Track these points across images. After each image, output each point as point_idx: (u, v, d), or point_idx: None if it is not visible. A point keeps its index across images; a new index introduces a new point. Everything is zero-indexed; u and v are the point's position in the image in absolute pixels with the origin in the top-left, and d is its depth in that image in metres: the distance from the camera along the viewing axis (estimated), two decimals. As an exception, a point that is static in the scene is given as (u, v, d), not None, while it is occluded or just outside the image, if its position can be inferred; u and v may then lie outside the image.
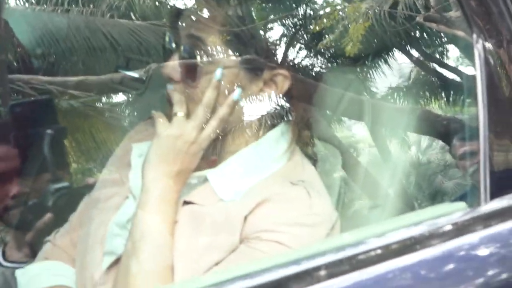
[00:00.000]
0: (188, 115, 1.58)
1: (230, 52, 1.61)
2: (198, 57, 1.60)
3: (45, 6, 6.25)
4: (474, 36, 1.31)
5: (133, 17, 7.00)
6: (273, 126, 1.68)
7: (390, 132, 10.41)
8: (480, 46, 1.29)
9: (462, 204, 1.29)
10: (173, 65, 1.61)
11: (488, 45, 1.31)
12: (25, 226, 2.20)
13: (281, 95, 1.66)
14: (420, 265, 1.19)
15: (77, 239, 1.78)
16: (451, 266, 1.21)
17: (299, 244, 1.41)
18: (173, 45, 1.66)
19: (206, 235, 1.49)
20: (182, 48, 1.62)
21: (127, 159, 1.75)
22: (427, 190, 13.59)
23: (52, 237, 1.87)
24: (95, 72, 5.29)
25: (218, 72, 1.57)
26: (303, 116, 1.76)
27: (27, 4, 6.49)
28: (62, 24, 5.59)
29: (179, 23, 1.69)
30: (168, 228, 1.50)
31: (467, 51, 8.84)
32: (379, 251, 1.18)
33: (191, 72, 1.59)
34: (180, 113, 1.56)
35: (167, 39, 1.70)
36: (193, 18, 1.69)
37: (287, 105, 1.70)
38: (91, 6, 6.67)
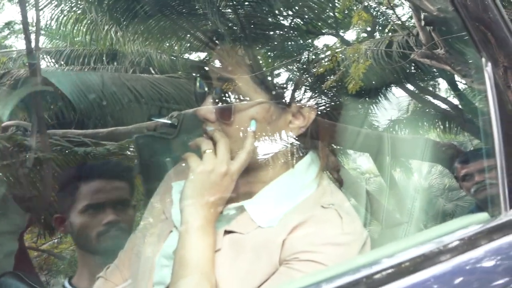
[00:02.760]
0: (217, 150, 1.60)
1: (259, 90, 1.63)
2: (230, 98, 1.62)
3: (73, 66, 6.34)
4: (483, 60, 1.32)
5: (152, 71, 7.07)
6: (301, 156, 1.69)
7: (395, 161, 10.40)
8: (489, 69, 1.30)
9: (484, 215, 1.29)
10: (207, 107, 1.63)
11: (495, 67, 1.32)
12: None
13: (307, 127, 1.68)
14: (433, 280, 1.18)
15: (127, 273, 1.79)
16: (498, 262, 1.21)
17: (334, 262, 1.41)
18: (205, 88, 1.68)
19: (247, 260, 1.49)
20: (214, 90, 1.64)
21: (169, 196, 1.76)
22: (431, 212, 13.52)
23: (103, 273, 1.88)
24: (123, 123, 5.34)
25: (253, 124, 1.60)
26: (329, 144, 1.77)
27: (57, 65, 6.57)
28: (90, 81, 5.65)
29: (207, 69, 1.72)
30: (209, 255, 1.51)
31: (452, 83, 8.89)
32: (392, 270, 1.17)
33: (225, 112, 1.61)
34: (208, 150, 1.58)
35: (198, 84, 1.72)
36: (218, 63, 1.72)
37: (314, 135, 1.72)
38: (115, 63, 6.75)
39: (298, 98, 1.70)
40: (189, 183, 1.59)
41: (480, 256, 1.21)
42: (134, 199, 2.57)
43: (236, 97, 1.62)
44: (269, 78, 1.73)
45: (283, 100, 1.66)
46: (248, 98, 1.62)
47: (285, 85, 1.74)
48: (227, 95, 1.62)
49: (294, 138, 1.68)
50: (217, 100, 1.63)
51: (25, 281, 2.41)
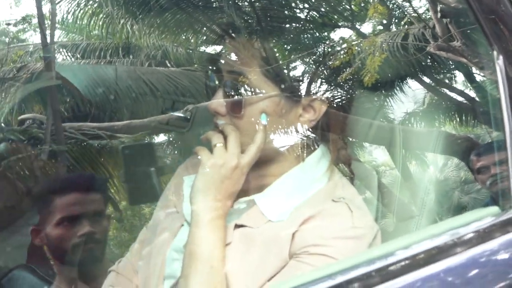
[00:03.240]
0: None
1: (270, 83, 1.62)
2: (241, 91, 1.61)
3: (90, 59, 6.35)
4: (495, 53, 1.31)
5: (168, 65, 7.07)
6: (312, 149, 1.68)
7: (410, 154, 10.37)
8: (501, 61, 1.29)
9: (495, 208, 1.27)
10: (218, 101, 1.63)
11: (507, 60, 1.31)
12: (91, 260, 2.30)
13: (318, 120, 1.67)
14: (448, 272, 1.17)
15: (138, 267, 1.79)
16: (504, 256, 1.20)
17: (344, 256, 1.41)
18: (216, 82, 1.67)
19: (258, 254, 1.49)
20: (224, 83, 1.63)
21: (180, 190, 1.76)
22: (446, 205, 13.46)
23: (115, 266, 1.88)
24: (138, 116, 5.35)
25: (263, 118, 1.59)
26: (340, 138, 1.77)
27: (73, 59, 6.59)
28: (106, 74, 5.66)
29: (220, 62, 1.71)
30: (220, 249, 1.51)
31: (469, 76, 8.83)
32: (406, 262, 1.17)
33: (235, 105, 1.60)
34: (219, 144, 1.58)
35: (209, 77, 1.71)
36: (233, 56, 1.71)
37: (325, 128, 1.71)
38: (131, 56, 6.76)
39: (308, 91, 1.69)
40: (200, 176, 1.58)
41: (494, 248, 1.20)
42: (108, 210, 2.61)
43: (247, 90, 1.61)
44: (280, 71, 1.72)
45: (294, 93, 1.65)
46: (258, 91, 1.61)
47: (295, 78, 1.73)
48: (238, 88, 1.62)
49: (305, 131, 1.67)
50: (228, 93, 1.62)
51: (37, 273, 2.44)
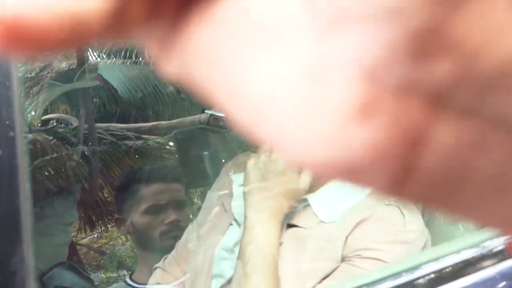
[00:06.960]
0: None
1: None
2: None
3: (115, 59, 6.35)
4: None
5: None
6: None
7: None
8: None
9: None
10: None
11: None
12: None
13: None
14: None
15: (184, 265, 1.83)
16: None
17: (396, 260, 1.44)
18: None
19: (309, 255, 1.52)
20: None
21: (229, 189, 1.79)
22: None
23: (161, 263, 1.92)
24: (163, 117, 5.38)
25: None
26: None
27: (98, 59, 6.59)
28: (133, 74, 5.68)
29: None
30: (274, 249, 1.52)
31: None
32: (433, 276, 1.18)
33: None
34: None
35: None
36: None
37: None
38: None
39: None
40: (251, 173, 1.60)
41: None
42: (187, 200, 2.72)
43: None
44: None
45: None
46: None
47: None
48: None
49: None
50: None
51: (77, 270, 2.52)
